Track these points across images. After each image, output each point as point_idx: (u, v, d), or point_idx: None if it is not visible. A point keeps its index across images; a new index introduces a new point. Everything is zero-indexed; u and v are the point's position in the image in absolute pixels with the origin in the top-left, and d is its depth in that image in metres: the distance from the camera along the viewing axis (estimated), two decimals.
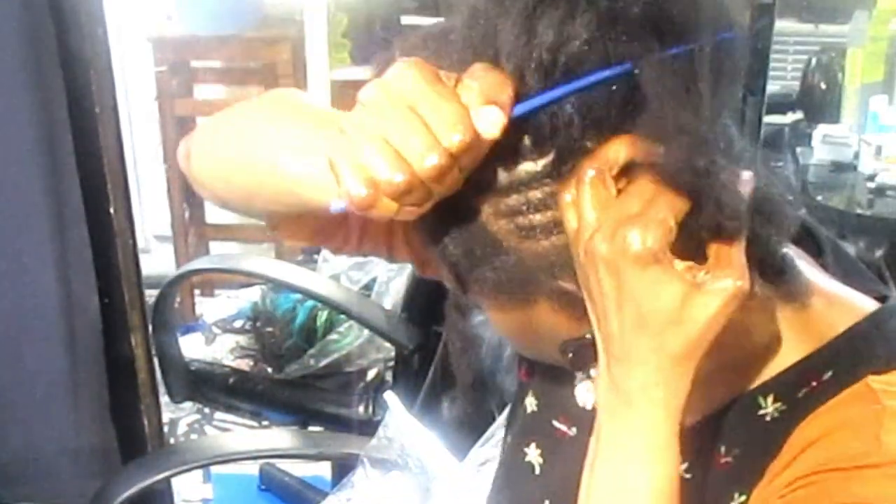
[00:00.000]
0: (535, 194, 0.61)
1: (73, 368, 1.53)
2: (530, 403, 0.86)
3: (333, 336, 2.12)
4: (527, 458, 0.84)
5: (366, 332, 2.07)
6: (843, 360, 0.66)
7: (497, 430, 1.26)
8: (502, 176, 0.61)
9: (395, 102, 0.57)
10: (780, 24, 2.62)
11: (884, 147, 2.31)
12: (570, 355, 0.67)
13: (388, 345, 2.02)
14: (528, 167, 0.60)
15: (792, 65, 2.82)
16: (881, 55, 2.51)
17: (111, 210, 1.48)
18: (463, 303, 0.71)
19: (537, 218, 0.61)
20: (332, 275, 2.20)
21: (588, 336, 0.64)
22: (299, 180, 0.61)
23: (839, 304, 0.69)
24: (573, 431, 0.81)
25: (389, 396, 1.44)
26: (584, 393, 0.69)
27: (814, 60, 2.70)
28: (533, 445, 0.84)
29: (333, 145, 0.59)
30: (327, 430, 2.05)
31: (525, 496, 0.84)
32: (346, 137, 0.58)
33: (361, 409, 2.01)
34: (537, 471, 0.83)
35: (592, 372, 0.66)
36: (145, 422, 1.59)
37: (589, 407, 0.68)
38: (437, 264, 0.67)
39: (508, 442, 0.89)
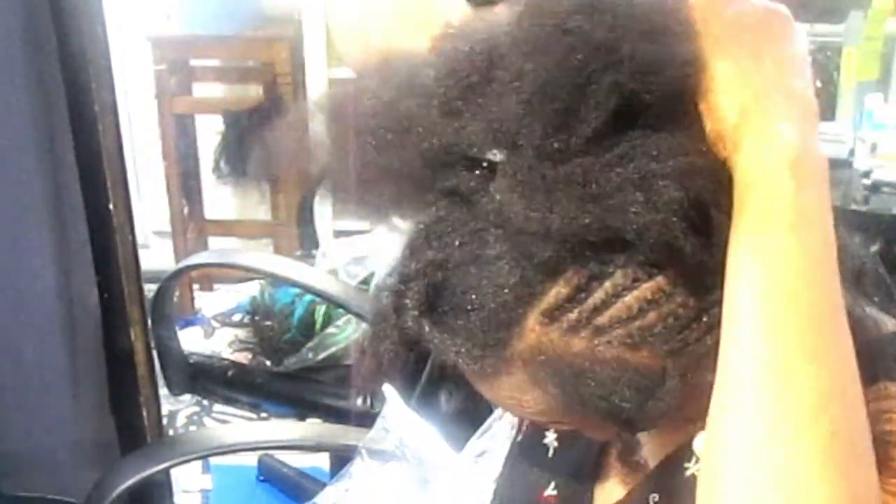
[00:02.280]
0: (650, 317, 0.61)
1: (73, 362, 1.53)
2: None
3: (331, 329, 2.13)
4: (545, 441, 0.86)
5: (363, 325, 2.08)
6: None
7: (494, 421, 1.27)
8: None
9: None
10: None
11: (879, 144, 2.32)
12: None
13: None
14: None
15: None
16: (876, 54, 2.52)
17: (111, 206, 1.48)
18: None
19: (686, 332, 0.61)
20: (331, 269, 2.21)
21: None
22: None
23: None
24: None
25: (387, 389, 1.46)
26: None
27: (809, 59, 2.71)
28: (552, 429, 0.85)
29: None
30: (325, 422, 2.06)
31: (533, 476, 0.86)
32: None
33: (359, 401, 2.02)
34: (550, 453, 0.85)
35: None
36: (144, 414, 1.59)
37: None
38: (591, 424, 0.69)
39: (528, 423, 0.90)
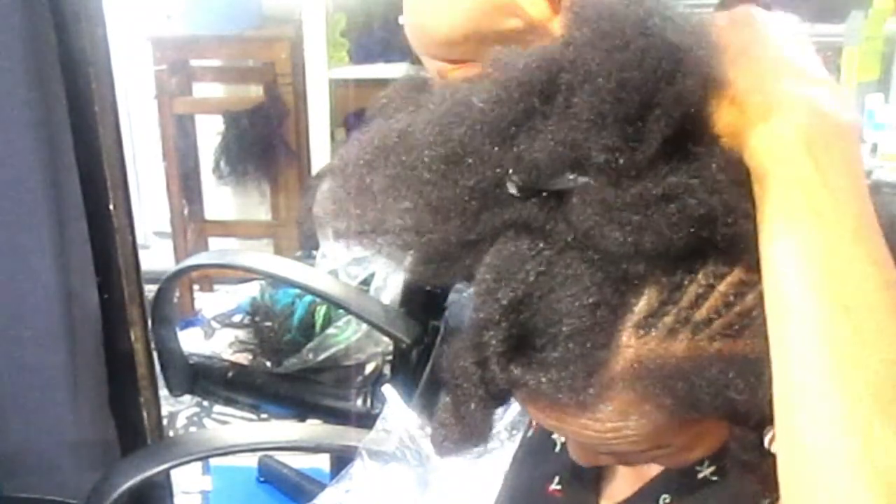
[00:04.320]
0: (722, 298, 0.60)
1: (73, 363, 1.53)
2: None
3: (332, 330, 2.13)
4: (553, 436, 0.86)
5: (364, 326, 2.08)
6: None
7: (495, 422, 1.27)
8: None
9: None
10: None
11: (879, 145, 2.33)
12: None
13: (386, 339, 2.03)
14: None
15: None
16: (877, 54, 2.52)
17: (111, 207, 1.48)
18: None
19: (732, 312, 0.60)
20: (331, 270, 2.21)
21: None
22: None
23: None
24: None
25: (388, 390, 1.46)
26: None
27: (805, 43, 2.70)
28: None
29: None
30: (326, 423, 2.05)
31: (540, 470, 0.86)
32: None
33: (360, 402, 2.02)
34: (557, 448, 0.85)
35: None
36: (145, 415, 1.59)
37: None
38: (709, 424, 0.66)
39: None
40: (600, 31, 0.57)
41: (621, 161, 0.57)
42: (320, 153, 3.05)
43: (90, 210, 1.48)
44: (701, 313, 0.59)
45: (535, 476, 0.87)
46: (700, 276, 0.59)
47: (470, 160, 0.60)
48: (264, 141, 3.16)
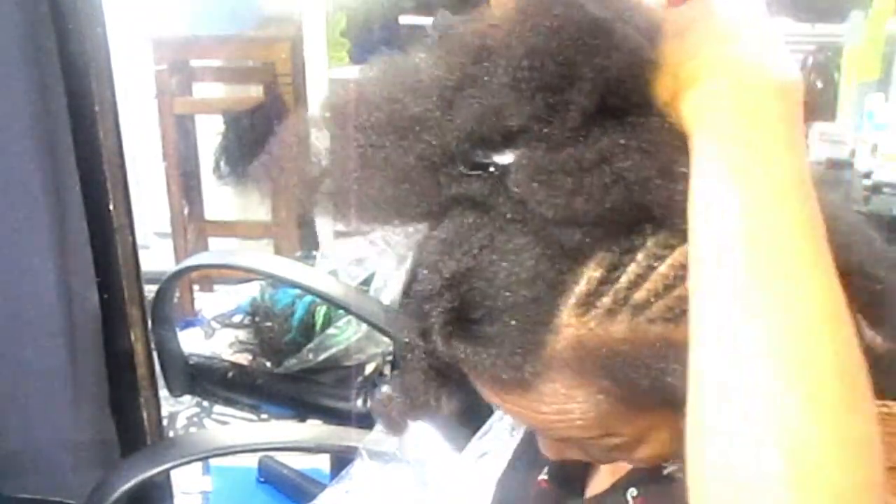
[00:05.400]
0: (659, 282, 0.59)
1: (73, 363, 1.54)
2: None
3: (332, 331, 2.13)
4: None
5: (364, 326, 2.08)
6: None
7: (495, 422, 1.27)
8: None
9: None
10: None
11: (879, 145, 2.33)
12: None
13: (386, 339, 2.03)
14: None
15: None
16: (877, 54, 2.52)
17: (111, 207, 1.48)
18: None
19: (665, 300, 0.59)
20: (331, 270, 2.21)
21: None
22: None
23: None
24: None
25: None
26: None
27: (810, 59, 2.72)
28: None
29: None
30: (326, 423, 2.06)
31: (533, 462, 0.87)
32: None
33: (360, 402, 2.02)
34: None
35: None
36: (144, 415, 1.60)
37: None
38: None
39: None
40: (524, 2, 0.57)
41: (543, 131, 0.57)
42: None
43: (90, 210, 1.48)
44: (640, 294, 0.59)
45: (530, 466, 0.88)
46: (640, 255, 0.59)
47: (417, 127, 0.60)
48: (264, 141, 3.15)
